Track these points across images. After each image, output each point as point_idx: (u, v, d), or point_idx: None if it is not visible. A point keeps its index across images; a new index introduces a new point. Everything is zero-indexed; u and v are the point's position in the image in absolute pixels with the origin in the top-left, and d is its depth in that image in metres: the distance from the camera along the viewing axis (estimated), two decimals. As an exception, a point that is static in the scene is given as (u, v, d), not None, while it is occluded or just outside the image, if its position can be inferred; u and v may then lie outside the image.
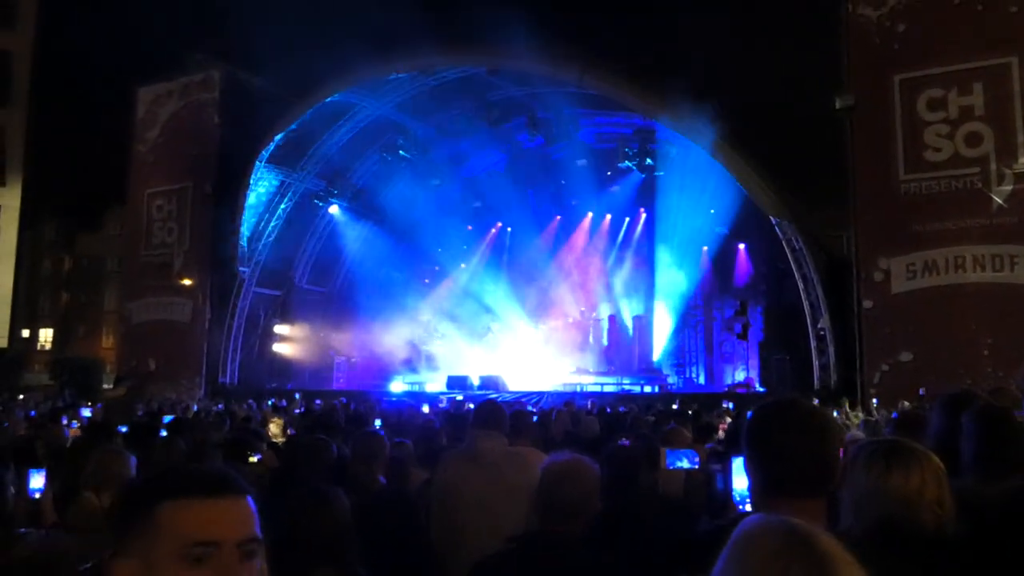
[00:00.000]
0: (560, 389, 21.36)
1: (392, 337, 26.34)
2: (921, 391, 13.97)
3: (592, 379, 23.00)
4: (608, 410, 13.20)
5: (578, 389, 21.36)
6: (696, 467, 4.01)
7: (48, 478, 3.99)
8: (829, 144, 18.99)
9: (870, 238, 17.20)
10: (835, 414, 11.38)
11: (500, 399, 16.04)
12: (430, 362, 25.92)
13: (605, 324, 25.03)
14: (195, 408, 15.58)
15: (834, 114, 17.73)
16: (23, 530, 3.04)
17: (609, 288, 25.69)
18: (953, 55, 16.46)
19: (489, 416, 3.95)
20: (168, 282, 25.84)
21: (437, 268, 28.05)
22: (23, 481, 3.87)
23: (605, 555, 2.76)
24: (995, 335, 15.53)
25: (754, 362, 22.68)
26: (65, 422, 9.85)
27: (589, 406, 14.43)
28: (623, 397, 18.68)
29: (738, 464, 2.51)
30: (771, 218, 19.40)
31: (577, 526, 2.73)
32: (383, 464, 4.19)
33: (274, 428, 8.31)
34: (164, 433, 6.38)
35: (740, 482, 2.55)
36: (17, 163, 27.23)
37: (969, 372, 14.74)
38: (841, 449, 2.11)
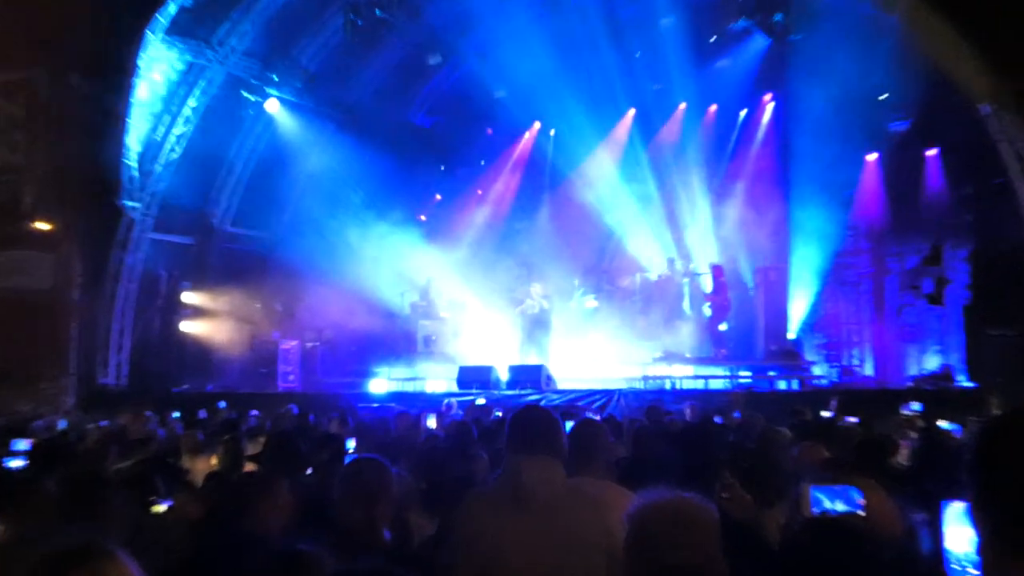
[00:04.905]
0: (639, 386, 20.82)
1: (371, 309, 25.73)
2: None
3: (690, 369, 22.33)
4: (719, 420, 12.80)
5: (667, 386, 20.80)
6: (859, 510, 3.94)
7: None
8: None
9: None
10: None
11: (546, 403, 16.50)
12: (431, 346, 25.25)
13: (708, 283, 23.73)
14: (62, 425, 15.36)
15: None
16: None
17: (716, 225, 24.78)
18: None
19: (535, 431, 3.99)
20: (13, 227, 24.91)
21: (439, 197, 27.88)
22: None
23: None
24: None
25: (956, 340, 21.69)
26: None
27: (688, 413, 14.45)
28: (737, 397, 17.95)
29: (955, 512, 2.71)
30: (980, 107, 18.95)
31: None
32: (389, 509, 4.37)
33: (214, 458, 8.58)
34: (20, 466, 6.99)
35: (959, 539, 2.69)
36: None
37: None
38: None
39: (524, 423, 3.97)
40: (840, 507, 3.90)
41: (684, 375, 22.07)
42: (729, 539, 3.07)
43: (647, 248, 25.70)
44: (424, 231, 27.40)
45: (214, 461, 8.26)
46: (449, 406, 16.05)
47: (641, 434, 9.18)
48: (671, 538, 2.68)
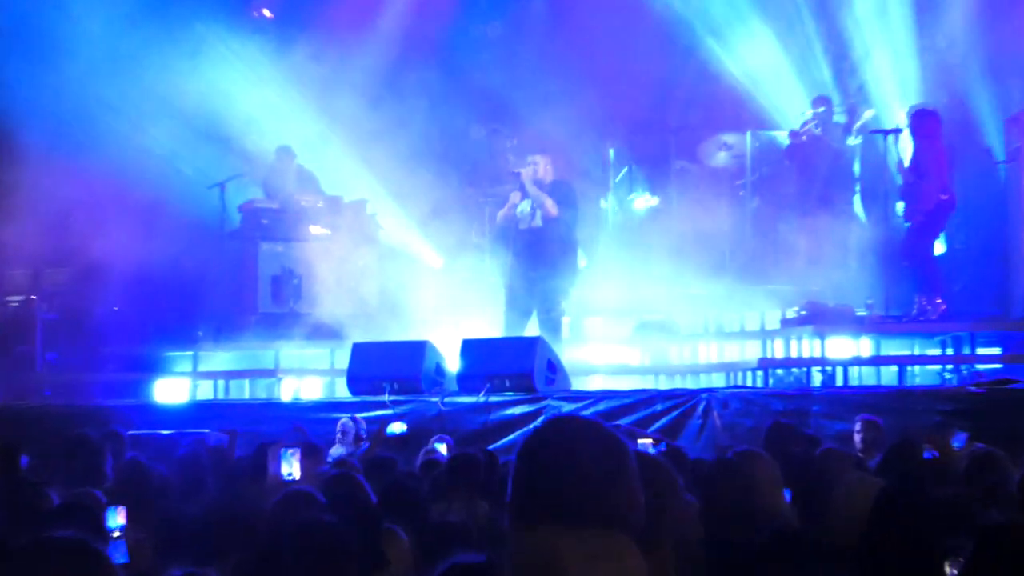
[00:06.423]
0: (752, 383, 18.09)
1: (152, 218, 21.72)
2: None
3: (865, 344, 18.32)
4: (931, 455, 10.90)
5: (814, 380, 17.77)
6: None
7: None
8: None
9: None
10: None
11: (546, 418, 16.36)
12: (289, 300, 21.31)
13: (906, 149, 18.89)
14: None
15: None
16: None
17: (921, 30, 20.47)
18: None
19: (579, 474, 3.29)
20: None
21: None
22: None
23: None
24: None
25: None
26: None
27: (859, 440, 13.83)
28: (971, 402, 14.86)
29: None
30: None
31: None
32: None
33: None
34: None
35: None
36: None
37: None
38: None
39: (551, 458, 3.08)
40: None
41: (851, 356, 18.08)
42: None
43: (771, 81, 20.90)
44: (270, 42, 22.34)
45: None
46: (348, 431, 15.02)
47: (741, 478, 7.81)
48: None
